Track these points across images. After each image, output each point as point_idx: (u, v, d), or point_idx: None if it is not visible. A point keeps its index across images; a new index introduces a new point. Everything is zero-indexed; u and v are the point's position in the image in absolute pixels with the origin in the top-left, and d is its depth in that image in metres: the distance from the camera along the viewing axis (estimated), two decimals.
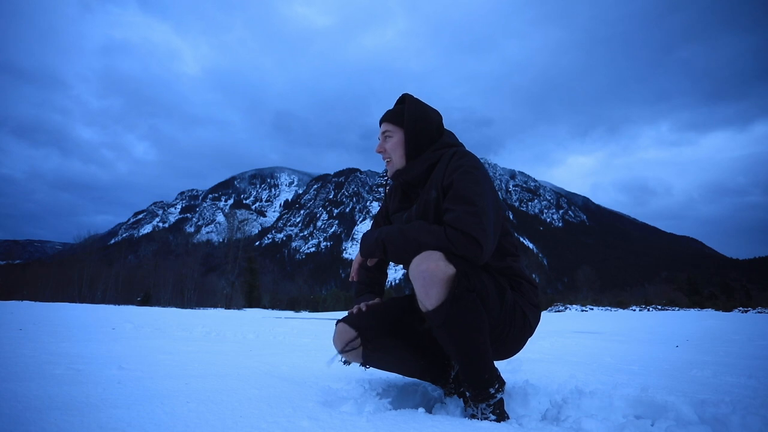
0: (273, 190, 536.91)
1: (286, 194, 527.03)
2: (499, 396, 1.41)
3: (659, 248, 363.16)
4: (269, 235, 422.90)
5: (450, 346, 1.39)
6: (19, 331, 4.16)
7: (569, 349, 4.40)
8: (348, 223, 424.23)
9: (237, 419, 1.18)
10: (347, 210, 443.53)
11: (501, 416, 1.41)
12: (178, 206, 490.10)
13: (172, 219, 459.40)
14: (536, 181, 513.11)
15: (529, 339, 1.61)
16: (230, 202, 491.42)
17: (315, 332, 6.65)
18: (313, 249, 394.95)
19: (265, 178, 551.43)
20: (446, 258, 1.32)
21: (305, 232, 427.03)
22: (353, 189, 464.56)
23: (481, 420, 1.38)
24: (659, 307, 34.46)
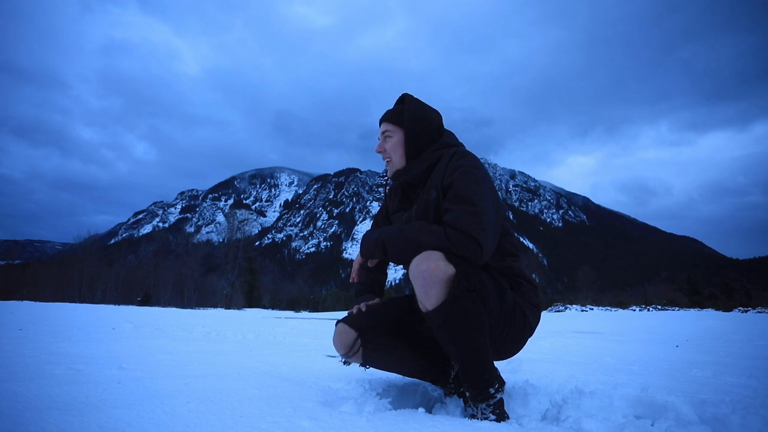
0: (273, 190, 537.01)
1: (286, 194, 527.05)
2: (499, 396, 1.41)
3: (659, 248, 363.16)
4: (269, 235, 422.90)
5: (450, 346, 1.39)
6: (19, 331, 4.16)
7: (569, 349, 4.39)
8: (348, 223, 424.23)
9: (237, 419, 1.18)
10: (347, 210, 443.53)
11: (501, 416, 1.41)
12: (178, 206, 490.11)
13: (172, 219, 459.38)
14: (536, 181, 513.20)
15: (529, 339, 1.61)
16: (230, 202, 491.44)
17: (315, 332, 6.65)
18: (313, 249, 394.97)
19: (265, 178, 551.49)
20: (446, 258, 1.31)
21: (305, 232, 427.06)
22: (353, 189, 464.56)
23: (481, 420, 1.38)
24: (659, 307, 34.46)
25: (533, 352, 3.77)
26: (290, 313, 30.74)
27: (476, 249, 1.33)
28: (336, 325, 1.59)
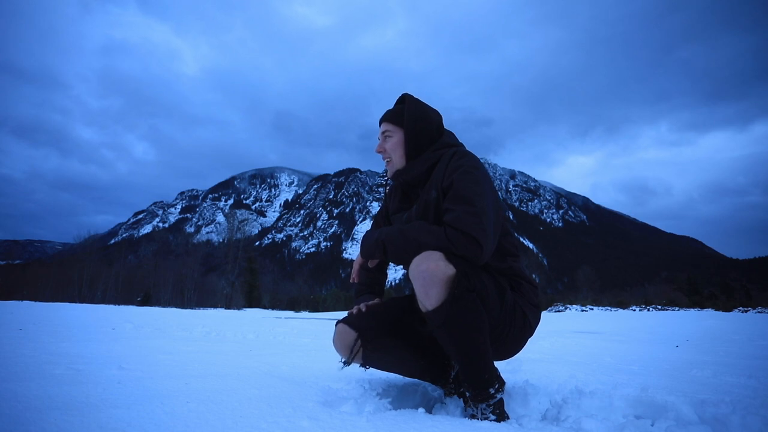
0: (273, 190, 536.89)
1: (286, 194, 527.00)
2: (499, 396, 1.41)
3: (659, 248, 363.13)
4: (269, 235, 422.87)
5: (450, 347, 1.39)
6: (19, 331, 4.16)
7: (569, 349, 4.39)
8: (348, 223, 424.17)
9: (237, 419, 1.18)
10: (347, 210, 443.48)
11: (501, 416, 1.41)
12: (178, 206, 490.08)
13: (172, 219, 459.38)
14: (536, 181, 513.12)
15: (529, 339, 1.61)
16: (230, 202, 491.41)
17: (315, 332, 6.65)
18: (313, 249, 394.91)
19: (265, 178, 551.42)
20: (446, 258, 1.31)
21: (305, 232, 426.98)
22: (353, 189, 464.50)
23: (481, 420, 1.38)
24: (659, 307, 34.46)
25: (533, 352, 3.77)
26: (290, 313, 30.74)
27: (476, 249, 1.33)
28: (336, 325, 1.59)
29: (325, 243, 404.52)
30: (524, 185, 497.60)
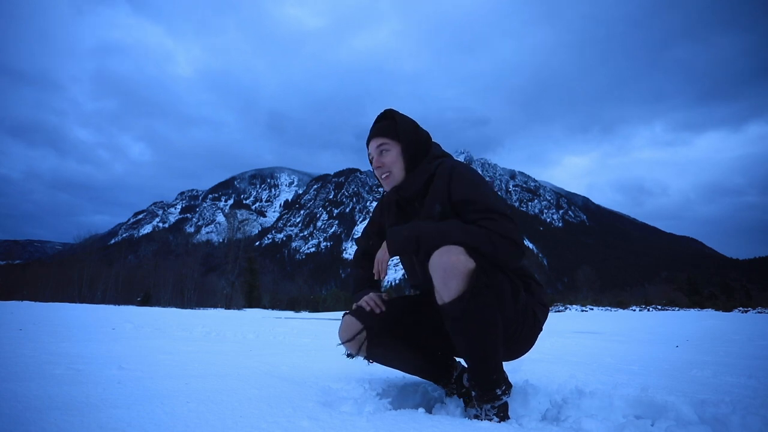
0: (273, 190, 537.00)
1: (286, 194, 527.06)
2: (504, 399, 1.42)
3: (659, 248, 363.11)
4: (269, 235, 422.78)
5: (462, 342, 1.39)
6: (19, 331, 4.16)
7: (569, 349, 4.39)
8: (348, 223, 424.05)
9: (237, 419, 1.18)
10: (347, 210, 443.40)
11: (504, 419, 1.41)
12: (178, 206, 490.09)
13: (172, 219, 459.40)
14: (536, 181, 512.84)
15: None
16: (230, 202, 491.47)
17: (315, 332, 6.65)
18: (313, 249, 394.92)
19: (265, 178, 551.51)
20: (467, 252, 1.33)
21: (305, 233, 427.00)
22: (353, 189, 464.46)
23: (483, 420, 1.38)
24: (659, 307, 34.44)
25: (533, 352, 3.73)
26: (290, 313, 30.75)
27: (519, 253, 1.40)
28: (343, 316, 1.60)
29: (325, 243, 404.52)
30: (524, 185, 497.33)
